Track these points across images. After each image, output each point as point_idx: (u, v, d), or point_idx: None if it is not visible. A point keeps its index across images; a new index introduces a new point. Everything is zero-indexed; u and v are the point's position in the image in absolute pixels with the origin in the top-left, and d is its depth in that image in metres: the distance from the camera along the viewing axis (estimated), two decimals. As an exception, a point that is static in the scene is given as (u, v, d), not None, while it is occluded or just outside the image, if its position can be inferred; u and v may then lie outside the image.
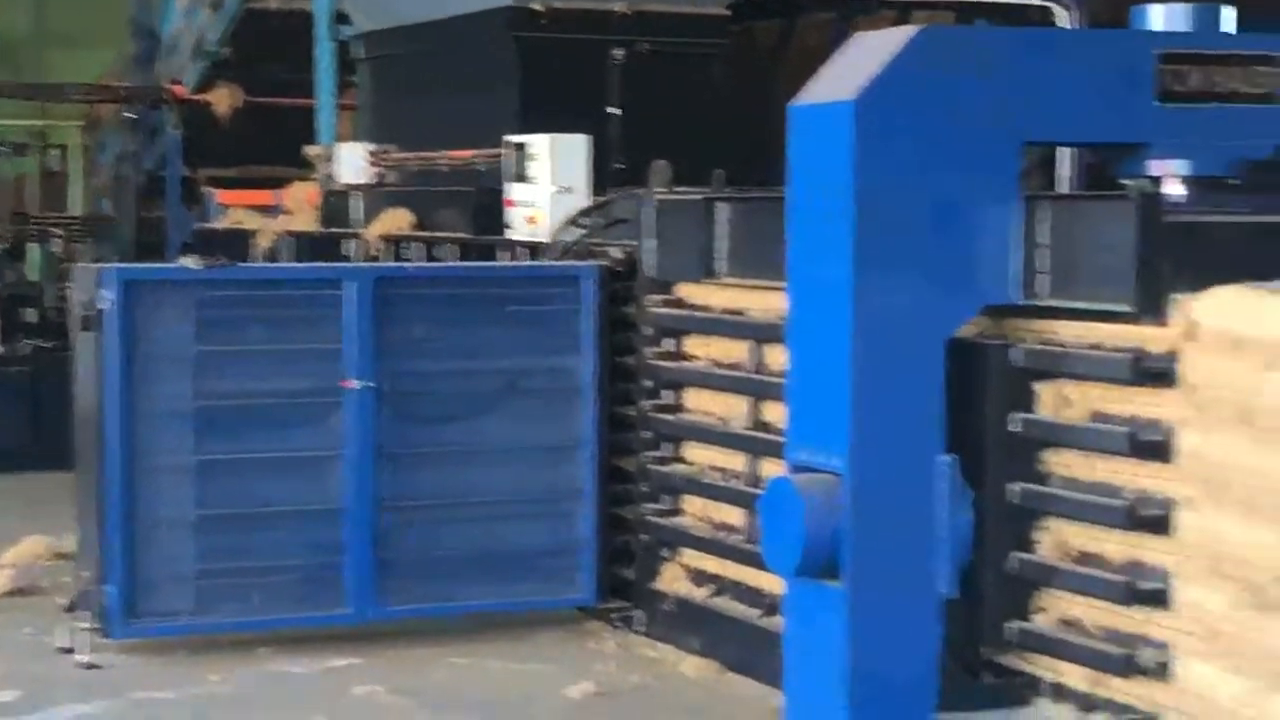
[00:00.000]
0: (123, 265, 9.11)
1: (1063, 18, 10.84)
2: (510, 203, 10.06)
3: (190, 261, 8.90)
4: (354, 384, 8.48)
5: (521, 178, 9.92)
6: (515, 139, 10.05)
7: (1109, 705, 6.53)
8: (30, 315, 13.80)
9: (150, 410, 8.27)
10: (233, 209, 13.35)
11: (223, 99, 14.72)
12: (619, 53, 10.69)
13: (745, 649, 7.93)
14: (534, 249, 9.72)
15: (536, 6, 10.45)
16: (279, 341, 8.50)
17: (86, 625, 8.34)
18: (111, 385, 8.18)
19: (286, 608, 8.50)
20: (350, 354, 8.49)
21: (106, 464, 8.18)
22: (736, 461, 8.32)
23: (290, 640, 8.45)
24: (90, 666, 8.15)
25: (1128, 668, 6.42)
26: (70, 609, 8.53)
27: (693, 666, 8.23)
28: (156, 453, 8.28)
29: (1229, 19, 7.26)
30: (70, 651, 8.27)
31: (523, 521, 8.90)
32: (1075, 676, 6.67)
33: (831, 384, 6.60)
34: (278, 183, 13.18)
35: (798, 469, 6.73)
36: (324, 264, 10.71)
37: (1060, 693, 6.73)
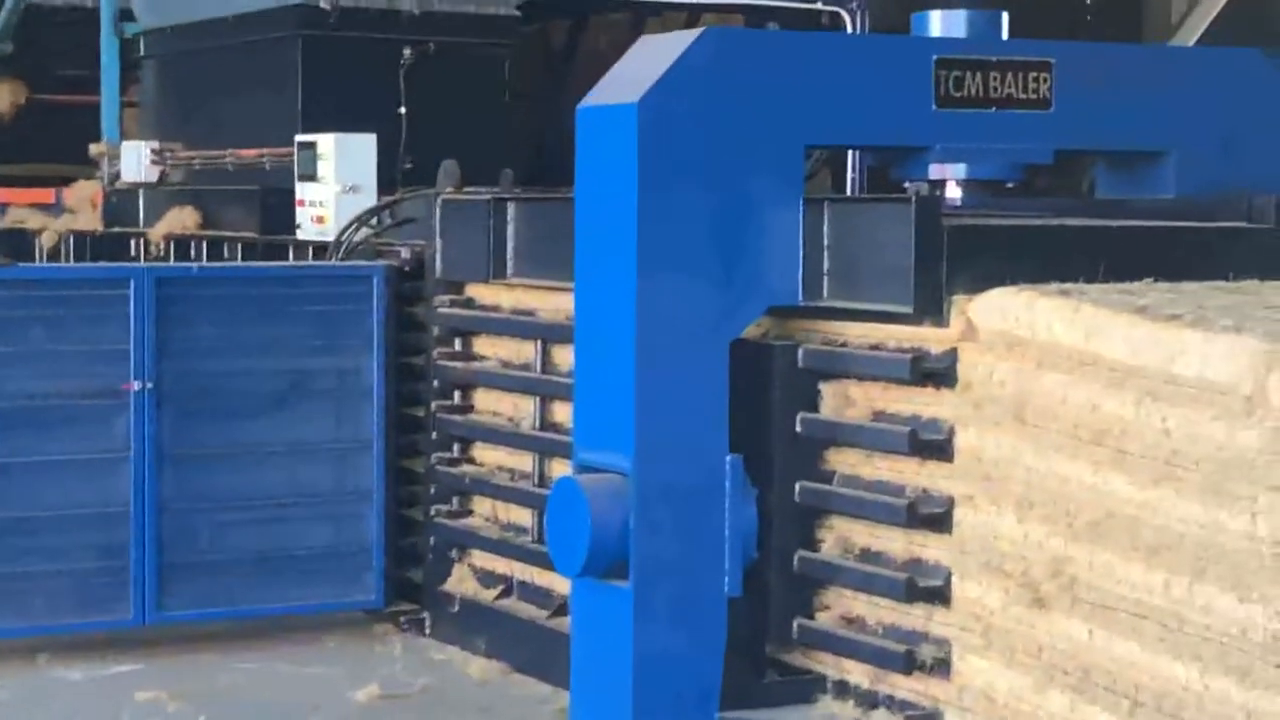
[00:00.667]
0: None
1: (849, 23, 10.97)
2: (300, 202, 10.02)
3: (-39, 260, 8.83)
4: (135, 385, 8.39)
5: (309, 177, 9.88)
6: (303, 138, 10.01)
7: (890, 701, 6.64)
8: None
9: None
10: (13, 207, 13.18)
11: (3, 95, 14.55)
12: (408, 52, 10.68)
13: (533, 650, 7.95)
14: (322, 249, 9.70)
15: (324, 5, 10.39)
16: (61, 342, 8.40)
17: None
18: None
19: (67, 613, 8.38)
20: (133, 355, 8.39)
21: None
22: (525, 462, 8.35)
23: (71, 646, 8.36)
24: None
25: (908, 664, 6.51)
26: None
27: (480, 669, 8.24)
28: None
29: (1004, 26, 7.44)
30: None
31: (309, 524, 8.86)
32: (858, 673, 6.77)
33: (617, 385, 6.66)
34: (60, 181, 13.03)
35: (584, 469, 6.76)
36: (106, 264, 10.56)
37: (843, 690, 6.81)
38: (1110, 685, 5.81)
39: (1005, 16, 7.44)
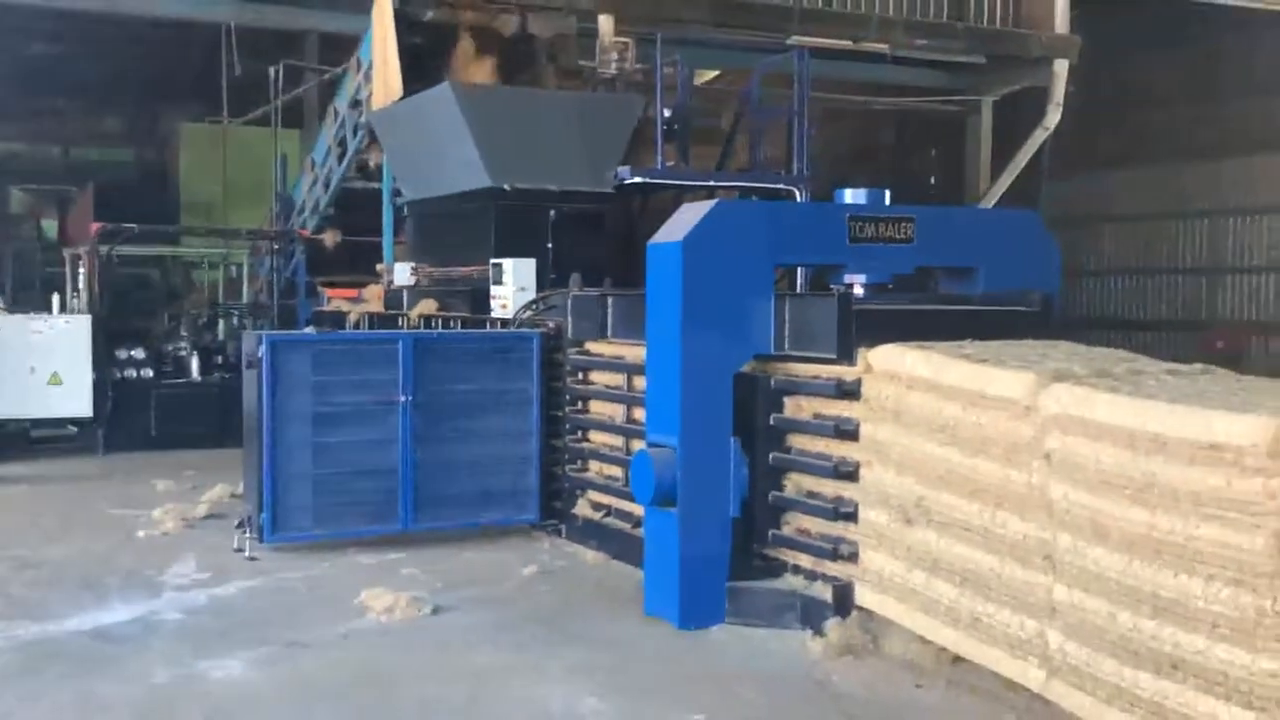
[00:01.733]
0: (270, 332, 8.96)
1: (798, 195, 10.90)
2: (493, 297, 9.94)
3: (310, 330, 8.89)
4: (402, 398, 8.35)
5: (498, 282, 9.82)
6: (495, 260, 9.95)
7: (824, 576, 6.54)
8: (218, 359, 13.63)
9: (285, 413, 8.11)
10: (334, 299, 13.20)
11: (330, 237, 14.59)
12: (552, 213, 10.58)
13: (624, 546, 7.84)
14: (504, 323, 9.56)
15: (506, 187, 10.31)
16: (360, 374, 8.31)
17: (250, 535, 8.23)
18: (265, 399, 8.03)
19: (363, 524, 8.33)
20: (400, 381, 8.33)
21: (262, 443, 8.04)
22: (618, 441, 8.27)
23: (365, 544, 8.31)
24: (251, 559, 8.02)
25: (834, 555, 6.47)
26: (240, 526, 8.39)
27: (593, 557, 8.15)
28: (290, 437, 8.11)
29: (887, 197, 7.39)
30: (241, 550, 8.15)
31: (498, 475, 8.65)
32: (806, 561, 6.70)
33: (670, 397, 6.60)
34: (361, 284, 13.01)
35: (652, 445, 6.71)
36: (386, 331, 10.55)
37: (798, 570, 6.72)
38: (948, 568, 5.75)
39: (888, 192, 7.38)
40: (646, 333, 6.87)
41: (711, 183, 10.77)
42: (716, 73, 16.56)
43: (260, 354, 8.05)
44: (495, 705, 5.40)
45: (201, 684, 5.64)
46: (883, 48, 14.38)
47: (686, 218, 6.66)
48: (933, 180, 23.19)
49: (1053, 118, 15.35)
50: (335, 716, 5.27)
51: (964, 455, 5.68)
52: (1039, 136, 15.59)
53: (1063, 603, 5.16)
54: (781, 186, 10.89)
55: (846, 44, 14.26)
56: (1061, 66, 15.26)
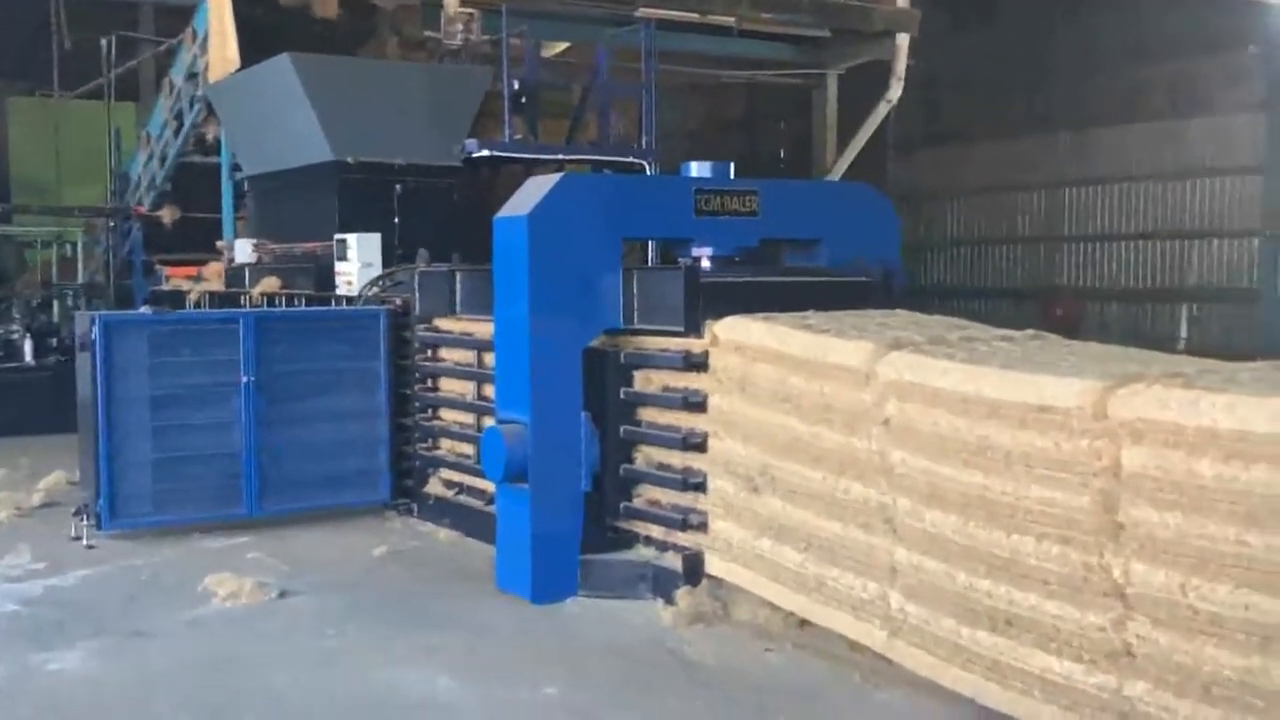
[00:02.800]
0: (104, 313, 8.68)
1: (647, 168, 10.93)
2: (337, 273, 9.79)
3: (146, 309, 8.66)
4: (244, 379, 8.20)
5: (343, 258, 9.67)
6: (340, 236, 9.80)
7: (674, 546, 6.61)
8: (52, 342, 13.19)
9: (121, 397, 7.92)
10: (173, 278, 12.89)
11: (167, 214, 14.24)
12: (398, 187, 10.47)
13: (476, 524, 7.79)
14: (350, 300, 9.46)
15: (350, 160, 10.19)
16: (200, 355, 8.14)
17: (87, 523, 8.00)
18: (99, 382, 7.82)
19: (206, 509, 8.19)
20: (243, 362, 8.17)
21: (98, 428, 7.84)
22: (469, 418, 8.24)
23: (210, 529, 8.18)
24: (90, 547, 7.82)
25: (684, 525, 6.54)
26: (77, 513, 8.12)
27: (446, 536, 8.12)
28: (126, 421, 7.92)
29: (731, 170, 7.43)
30: (78, 539, 7.93)
31: (346, 457, 8.59)
32: (657, 531, 6.76)
33: (519, 373, 6.59)
34: (200, 262, 12.73)
35: (502, 421, 6.70)
36: (227, 309, 10.32)
37: (649, 541, 6.78)
38: (794, 535, 5.83)
39: (732, 165, 7.43)
40: (494, 308, 6.84)
41: (560, 156, 10.71)
42: (566, 45, 16.52)
43: (93, 335, 7.84)
44: (346, 689, 5.34)
45: (37, 678, 5.46)
46: (729, 21, 14.50)
47: (533, 191, 6.63)
48: (782, 154, 23.56)
49: (895, 91, 15.67)
50: (177, 706, 5.15)
51: (807, 424, 5.77)
52: (882, 110, 15.91)
53: (903, 564, 5.29)
54: (631, 159, 10.87)
55: (693, 17, 14.35)
56: (903, 40, 15.58)
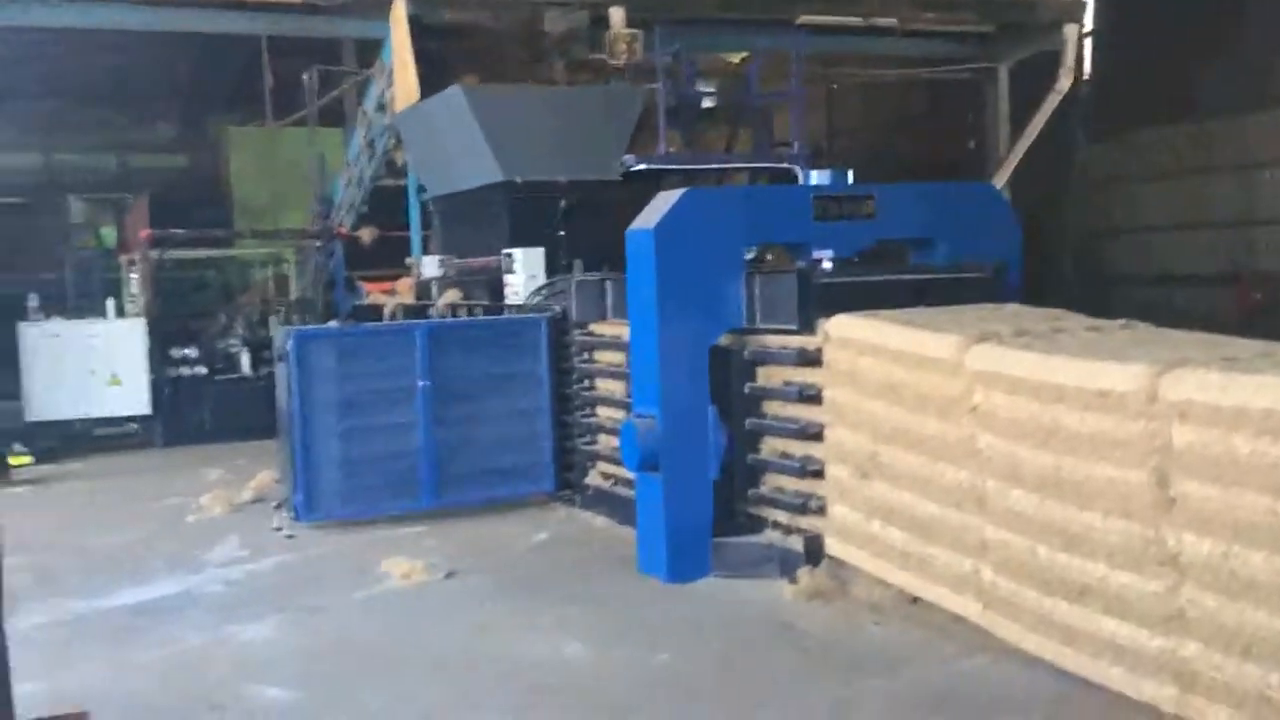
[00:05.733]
0: (297, 327, 9.56)
1: (800, 173, 11.25)
2: (505, 284, 10.44)
3: (334, 324, 9.54)
4: (421, 383, 8.92)
5: (510, 270, 10.32)
6: (507, 250, 10.45)
7: (798, 529, 7.05)
8: (266, 354, 14.23)
9: (313, 402, 8.72)
10: (371, 292, 13.74)
11: (366, 233, 15.12)
12: (563, 203, 11.05)
13: (628, 512, 8.12)
14: (518, 308, 10.04)
15: (518, 180, 10.84)
16: (382, 361, 8.89)
17: (286, 515, 8.89)
18: (294, 389, 8.66)
19: (388, 502, 8.92)
20: (418, 366, 8.90)
21: (294, 431, 8.66)
22: (620, 415, 8.57)
23: (392, 520, 8.91)
24: (289, 537, 8.68)
25: (804, 509, 6.98)
26: (278, 507, 9.05)
27: (602, 523, 8.71)
28: (318, 424, 8.72)
29: (850, 176, 7.82)
30: (279, 529, 8.83)
31: (514, 451, 9.20)
32: (782, 516, 7.21)
33: (650, 372, 7.12)
34: (394, 277, 13.47)
35: (637, 416, 7.22)
36: (404, 321, 10.99)
37: (776, 525, 7.23)
38: (898, 515, 6.26)
39: (851, 172, 7.82)
40: (629, 313, 7.41)
41: (711, 166, 11.23)
42: (745, 55, 17.02)
43: (288, 348, 8.70)
44: (491, 651, 6.05)
45: (229, 645, 6.36)
46: (891, 22, 14.78)
47: (659, 205, 7.18)
48: (971, 145, 23.52)
49: (1064, 82, 15.64)
50: (342, 663, 5.96)
51: (907, 412, 6.21)
52: (1052, 101, 15.90)
53: (992, 541, 5.70)
54: (782, 165, 11.31)
55: (856, 21, 14.67)
56: (1071, 31, 15.55)
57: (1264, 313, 18.03)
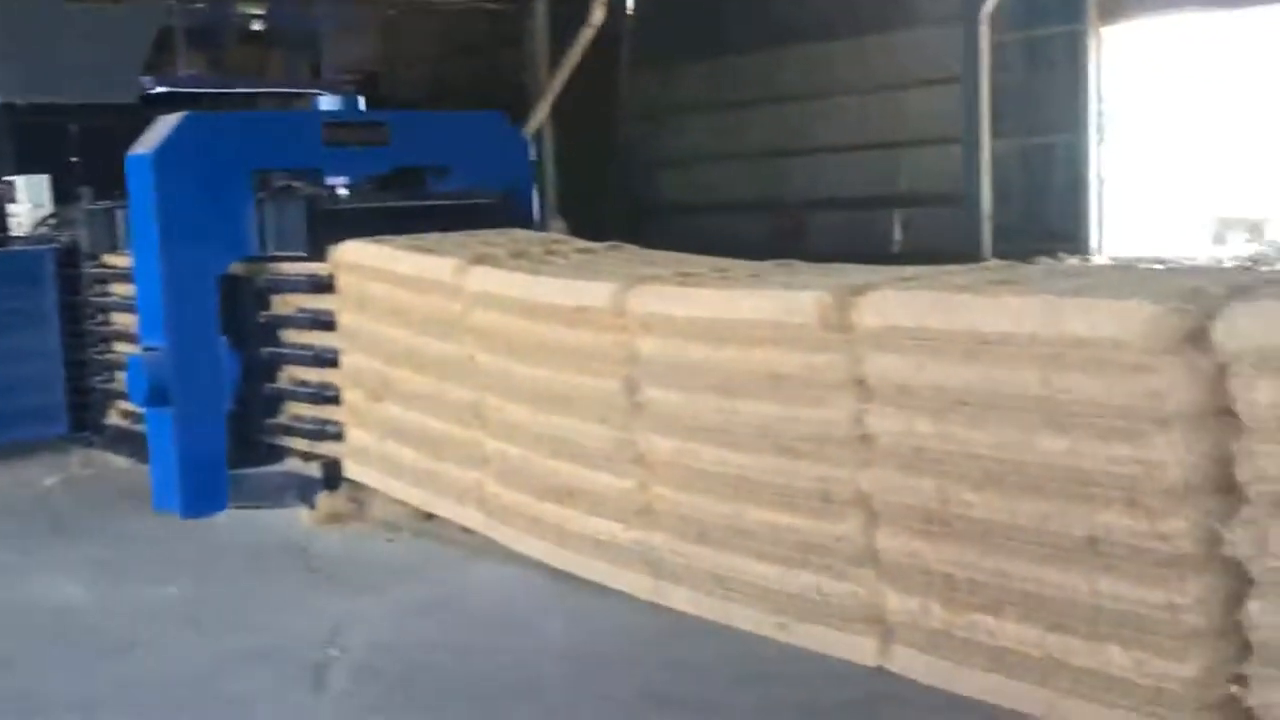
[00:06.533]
0: None
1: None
2: (8, 214, 9.81)
3: None
4: None
5: (11, 200, 9.74)
6: (7, 178, 9.87)
7: (318, 457, 7.13)
8: None
9: None
10: None
11: None
12: (74, 128, 10.55)
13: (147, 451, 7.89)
14: (22, 239, 9.50)
15: (19, 102, 10.26)
16: None
17: None
18: None
19: None
20: None
21: None
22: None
23: None
24: None
25: (324, 435, 7.09)
26: None
27: (123, 463, 8.47)
28: None
29: (362, 103, 7.91)
30: None
31: (24, 392, 8.73)
32: (301, 444, 7.29)
33: (156, 303, 6.99)
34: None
35: (145, 349, 7.08)
36: None
37: (295, 453, 7.31)
38: (409, 435, 6.51)
39: (362, 98, 7.91)
40: (132, 243, 7.24)
41: (237, 90, 11.01)
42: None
43: None
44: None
45: None
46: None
47: (160, 130, 7.01)
48: (517, 78, 24.06)
49: (598, 15, 16.32)
50: None
51: (415, 335, 6.43)
52: (586, 34, 16.56)
53: (492, 452, 6.05)
54: (313, 91, 11.21)
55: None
56: (600, -35, 16.22)
57: (794, 236, 19.73)
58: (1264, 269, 4.77)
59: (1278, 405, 3.32)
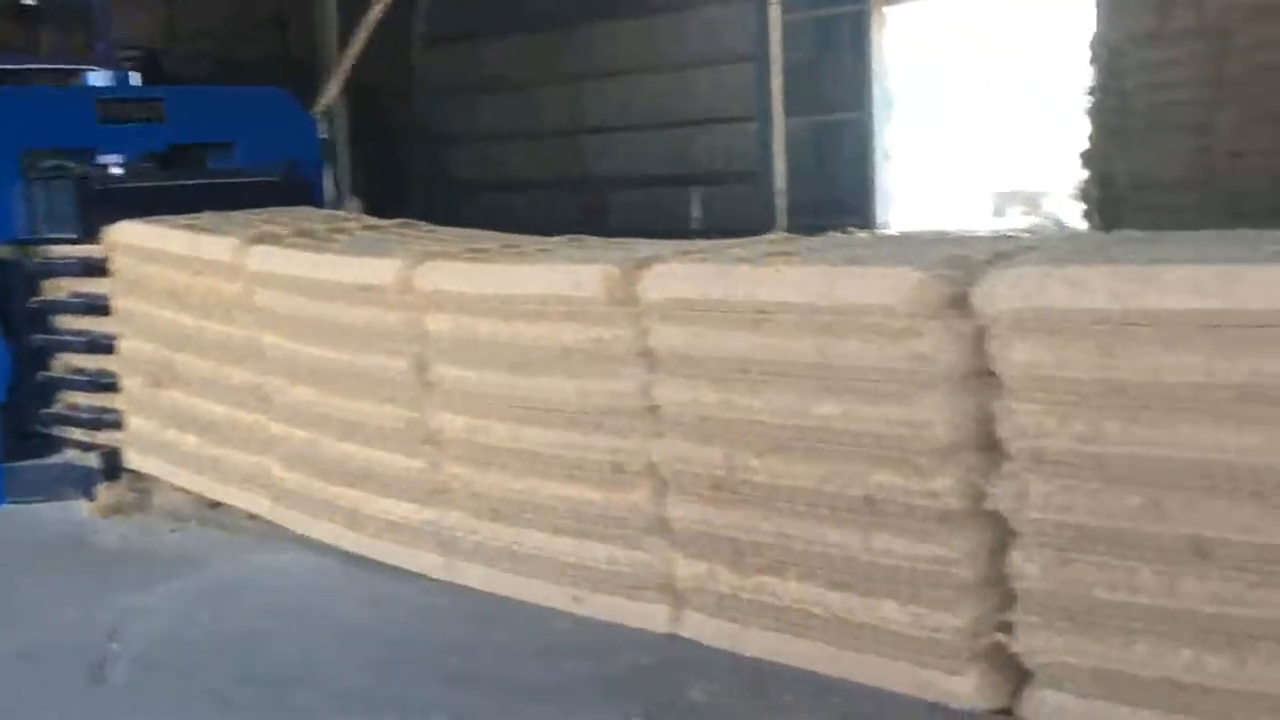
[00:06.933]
0: None
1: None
2: None
3: None
4: None
5: None
6: None
7: (97, 447, 6.90)
8: None
9: None
10: None
11: None
12: None
13: None
14: None
15: None
16: None
17: None
18: None
19: None
20: None
21: None
22: None
23: None
24: None
25: (102, 424, 6.88)
26: None
27: None
28: None
29: (137, 78, 7.66)
30: None
31: None
32: (79, 433, 7.04)
33: None
34: None
35: None
36: None
37: (74, 443, 7.06)
38: (191, 421, 6.34)
39: (138, 74, 7.66)
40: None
41: (10, 67, 10.44)
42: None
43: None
44: None
45: None
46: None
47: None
48: (302, 54, 23.52)
49: (382, -14, 16.03)
50: None
51: (194, 318, 6.26)
52: (377, 10, 16.24)
53: (278, 436, 5.95)
54: (85, 68, 10.75)
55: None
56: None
57: (596, 214, 19.83)
58: (1029, 238, 5.01)
59: (1033, 365, 3.51)
